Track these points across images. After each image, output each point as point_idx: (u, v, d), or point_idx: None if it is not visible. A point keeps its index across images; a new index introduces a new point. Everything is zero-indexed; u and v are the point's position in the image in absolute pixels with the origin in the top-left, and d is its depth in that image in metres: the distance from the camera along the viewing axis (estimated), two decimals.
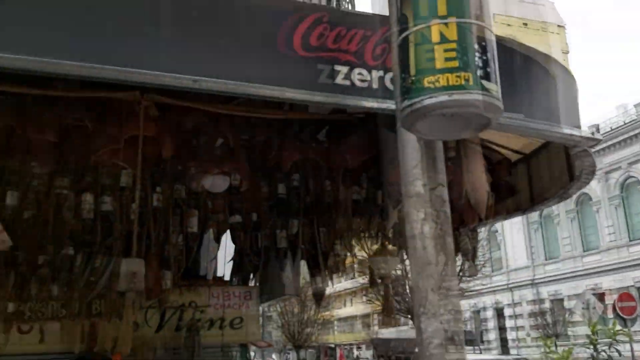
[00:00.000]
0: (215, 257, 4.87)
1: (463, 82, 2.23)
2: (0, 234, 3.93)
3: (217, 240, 4.72)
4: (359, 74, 3.02)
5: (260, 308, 6.34)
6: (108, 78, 2.65)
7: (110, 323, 4.46)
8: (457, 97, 2.21)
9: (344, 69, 2.98)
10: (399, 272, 17.68)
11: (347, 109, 4.20)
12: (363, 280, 25.05)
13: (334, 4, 5.21)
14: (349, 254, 4.81)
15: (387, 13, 2.64)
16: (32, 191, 4.15)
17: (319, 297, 4.66)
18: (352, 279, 33.24)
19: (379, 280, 5.23)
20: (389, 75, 3.05)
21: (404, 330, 26.54)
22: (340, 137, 4.45)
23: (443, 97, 2.21)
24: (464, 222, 4.31)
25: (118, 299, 4.29)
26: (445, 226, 2.39)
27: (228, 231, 4.97)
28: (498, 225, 30.06)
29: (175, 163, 4.47)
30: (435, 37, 2.28)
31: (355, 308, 40.84)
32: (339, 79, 2.96)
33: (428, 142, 2.46)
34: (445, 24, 2.29)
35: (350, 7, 5.27)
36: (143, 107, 3.92)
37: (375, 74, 3.04)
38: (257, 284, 5.58)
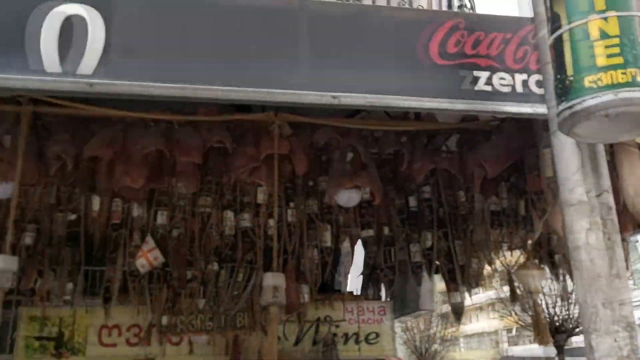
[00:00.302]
0: (349, 272, 4.88)
1: (630, 79, 2.03)
2: (154, 251, 4.25)
3: (350, 255, 4.73)
4: (501, 78, 2.89)
5: None
6: (255, 100, 2.76)
7: (254, 336, 4.63)
8: (624, 95, 2.02)
9: (484, 75, 2.87)
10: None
11: (480, 116, 4.05)
12: (493, 294, 23.86)
13: (455, 7, 5.05)
14: (488, 267, 4.60)
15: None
16: (179, 211, 4.42)
17: (459, 313, 4.48)
18: (478, 293, 31.90)
19: (519, 293, 4.96)
20: (533, 78, 2.89)
21: (536, 348, 24.92)
22: (472, 146, 4.29)
23: (608, 97, 2.03)
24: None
25: (261, 312, 4.47)
26: (613, 236, 2.19)
27: (356, 245, 4.99)
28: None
29: (307, 179, 4.58)
30: (594, 34, 2.11)
31: (482, 324, 39.15)
32: (480, 85, 2.85)
33: (590, 145, 2.28)
34: (605, 18, 2.11)
35: (469, 9, 5.09)
36: (277, 126, 4.06)
37: (519, 77, 2.89)
38: (389, 299, 5.51)
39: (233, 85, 2.77)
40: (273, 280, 3.55)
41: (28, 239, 4.17)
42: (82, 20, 2.70)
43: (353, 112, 4.69)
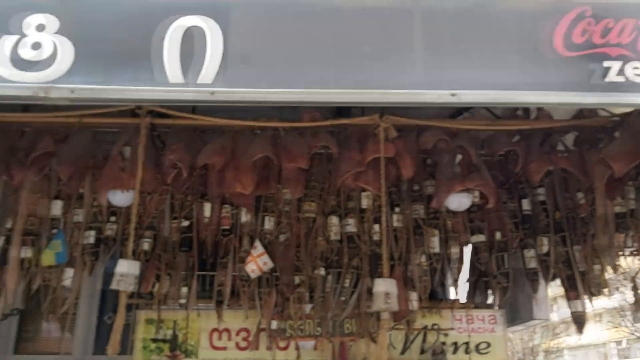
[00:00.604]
0: (457, 279, 4.70)
1: None
2: (263, 256, 4.32)
3: (459, 260, 4.55)
4: (635, 67, 2.66)
5: None
6: (369, 102, 2.73)
7: (361, 343, 4.58)
8: None
9: (616, 65, 2.66)
10: None
11: (603, 111, 3.78)
12: (602, 303, 22.34)
13: None
14: (612, 273, 4.26)
15: None
16: (285, 216, 4.47)
17: (581, 323, 4.18)
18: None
19: None
20: None
21: None
22: (593, 144, 4.01)
23: None
24: None
25: (368, 319, 4.41)
26: None
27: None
28: None
29: (412, 183, 4.47)
30: None
31: (589, 336, 36.77)
32: (612, 76, 2.64)
33: None
34: None
35: None
36: (382, 130, 4.00)
37: None
38: (499, 307, 5.26)
39: (347, 87, 2.74)
40: (385, 286, 3.48)
41: (146, 245, 4.37)
42: (201, 31, 2.79)
43: (455, 114, 4.55)
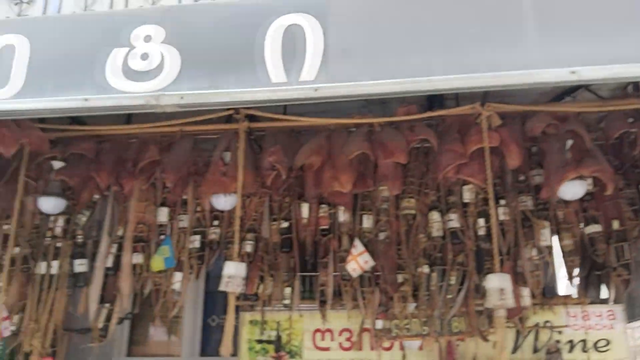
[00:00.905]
0: (572, 273, 4.41)
1: None
2: (363, 255, 4.25)
3: (572, 253, 4.27)
4: None
5: None
6: (478, 86, 2.60)
7: (470, 342, 4.41)
8: None
9: None
10: None
11: None
12: None
13: None
14: None
15: None
16: (383, 214, 4.39)
17: None
18: None
19: None
20: None
21: None
22: None
23: None
24: None
25: (478, 316, 4.23)
26: None
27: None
28: None
29: (517, 173, 4.25)
30: None
31: None
32: None
33: None
34: None
35: None
36: (485, 118, 3.83)
37: None
38: (614, 302, 4.88)
39: (453, 73, 2.63)
40: (499, 281, 3.31)
41: (248, 247, 4.44)
42: (300, 29, 2.77)
43: (555, 98, 4.27)
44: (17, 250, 4.45)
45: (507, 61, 2.54)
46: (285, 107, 4.44)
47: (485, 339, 4.22)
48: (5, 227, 4.47)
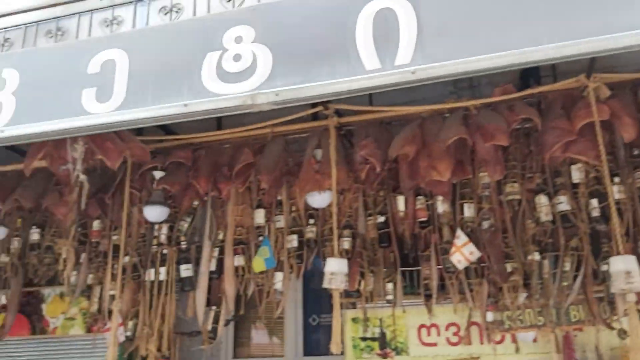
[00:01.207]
0: None
1: None
2: (468, 245, 4.07)
3: None
4: None
5: None
6: (592, 52, 2.39)
7: (589, 331, 4.11)
8: None
9: None
10: None
11: None
12: None
13: None
14: None
15: None
16: (485, 201, 4.18)
17: None
18: None
19: None
20: None
21: None
22: None
23: None
24: None
25: (598, 303, 3.93)
26: None
27: None
28: None
29: (631, 147, 3.91)
30: None
31: None
32: None
33: None
34: None
35: None
36: (592, 90, 3.55)
37: None
38: None
39: (561, 41, 2.43)
40: (624, 263, 3.04)
41: (346, 244, 4.38)
42: (392, 12, 2.67)
43: None
44: (127, 259, 4.67)
45: (620, 23, 2.31)
46: (371, 100, 4.36)
47: (610, 327, 3.91)
48: (114, 237, 4.70)
